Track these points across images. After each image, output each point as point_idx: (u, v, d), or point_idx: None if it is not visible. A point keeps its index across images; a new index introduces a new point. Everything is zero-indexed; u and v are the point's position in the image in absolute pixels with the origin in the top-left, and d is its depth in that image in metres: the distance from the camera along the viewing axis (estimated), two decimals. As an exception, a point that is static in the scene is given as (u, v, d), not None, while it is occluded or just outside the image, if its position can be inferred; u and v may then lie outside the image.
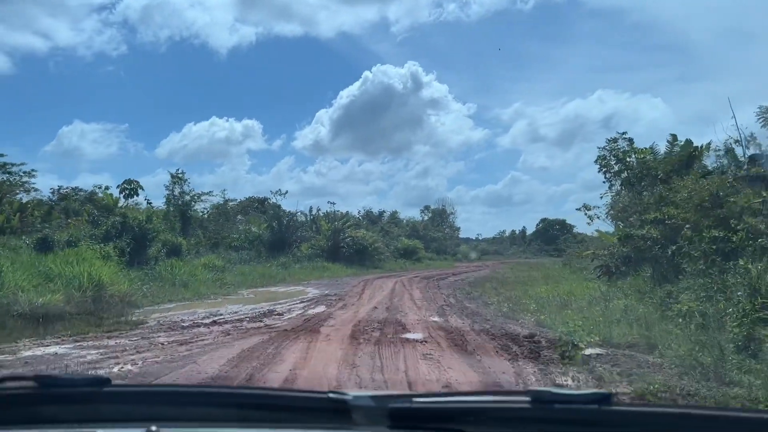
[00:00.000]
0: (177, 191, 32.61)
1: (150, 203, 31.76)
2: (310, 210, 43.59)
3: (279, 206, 37.68)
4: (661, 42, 77.12)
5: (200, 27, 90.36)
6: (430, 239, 65.41)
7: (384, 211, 68.51)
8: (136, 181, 31.62)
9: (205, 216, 40.32)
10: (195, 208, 33.79)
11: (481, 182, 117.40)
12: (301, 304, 16.36)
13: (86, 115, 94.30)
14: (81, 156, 76.98)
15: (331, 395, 1.45)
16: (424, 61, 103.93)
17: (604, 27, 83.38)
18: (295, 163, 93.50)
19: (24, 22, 73.69)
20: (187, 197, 32.95)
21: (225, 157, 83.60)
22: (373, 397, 1.43)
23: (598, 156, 21.95)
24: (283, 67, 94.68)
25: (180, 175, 32.81)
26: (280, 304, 16.44)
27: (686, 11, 71.74)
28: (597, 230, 24.02)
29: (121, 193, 31.67)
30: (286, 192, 39.90)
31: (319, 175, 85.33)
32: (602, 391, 1.43)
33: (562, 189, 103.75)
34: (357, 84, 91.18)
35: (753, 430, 1.32)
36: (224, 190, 49.80)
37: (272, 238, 36.47)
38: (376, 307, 15.56)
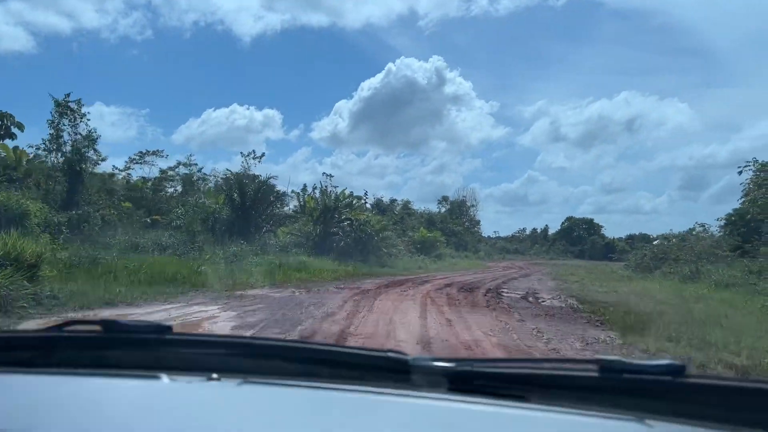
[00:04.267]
0: (69, 131, 20.49)
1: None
2: (304, 188, 31.68)
3: (246, 174, 25.59)
4: (687, 46, 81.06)
5: (225, 13, 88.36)
6: (449, 233, 55.32)
7: (396, 200, 58.30)
8: (10, 115, 19.72)
9: (145, 185, 28.59)
10: (94, 161, 21.72)
11: (497, 180, 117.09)
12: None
13: (108, 97, 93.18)
14: (100, 139, 69.23)
15: (390, 354, 1.40)
16: (449, 56, 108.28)
17: (630, 28, 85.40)
18: (311, 154, 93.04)
19: (49, 1, 72.20)
20: (80, 139, 20.68)
21: (242, 144, 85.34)
22: (433, 359, 1.36)
23: None
24: (307, 57, 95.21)
25: (70, 103, 20.28)
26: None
27: (712, 15, 76.35)
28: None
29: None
30: (263, 155, 27.87)
31: (335, 167, 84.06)
32: (675, 361, 1.26)
33: (579, 191, 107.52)
34: (380, 76, 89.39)
35: None
36: (190, 155, 37.59)
37: (232, 216, 24.72)
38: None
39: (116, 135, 73.25)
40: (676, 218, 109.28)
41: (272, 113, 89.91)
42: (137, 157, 31.72)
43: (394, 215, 51.26)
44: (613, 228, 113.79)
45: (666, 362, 1.26)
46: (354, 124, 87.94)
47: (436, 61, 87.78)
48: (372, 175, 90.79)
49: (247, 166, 28.67)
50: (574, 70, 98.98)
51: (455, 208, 72.51)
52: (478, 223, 76.84)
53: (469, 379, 1.33)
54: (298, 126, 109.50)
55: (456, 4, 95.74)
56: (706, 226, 34.98)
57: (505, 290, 18.17)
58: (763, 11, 73.03)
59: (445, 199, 75.93)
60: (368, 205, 49.98)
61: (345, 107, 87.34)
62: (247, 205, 24.50)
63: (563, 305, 13.58)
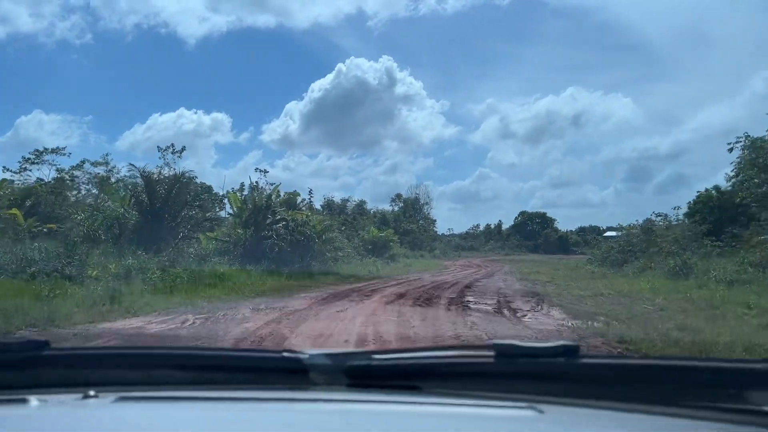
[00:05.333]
0: None
1: None
2: (242, 187, 27.36)
3: (151, 173, 21.08)
4: (627, 42, 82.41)
5: (169, 15, 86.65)
6: (403, 232, 52.55)
7: (348, 200, 55.40)
8: None
9: (41, 189, 23.92)
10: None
11: (449, 178, 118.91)
12: None
13: (47, 105, 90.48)
14: (38, 147, 63.87)
15: (285, 354, 1.36)
16: (399, 56, 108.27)
17: (573, 26, 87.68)
18: (262, 157, 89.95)
19: (-23, 6, 64.63)
20: None
21: (191, 150, 77.56)
22: (329, 355, 1.33)
23: None
24: (255, 59, 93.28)
25: None
26: None
27: (648, 12, 78.80)
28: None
29: None
30: (183, 149, 23.43)
31: (287, 169, 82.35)
32: (569, 342, 1.28)
33: (529, 186, 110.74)
34: (330, 77, 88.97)
35: (730, 379, 1.23)
36: (106, 154, 32.59)
37: (140, 221, 20.41)
38: None
39: (56, 144, 66.70)
40: (623, 210, 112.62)
41: (221, 117, 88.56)
42: (33, 157, 26.91)
43: (346, 216, 47.89)
44: (563, 221, 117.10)
45: (559, 344, 1.27)
46: (305, 125, 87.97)
47: (386, 61, 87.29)
48: (325, 176, 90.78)
49: (164, 162, 24.21)
50: (521, 68, 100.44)
51: (409, 207, 70.59)
52: (433, 222, 75.82)
53: (368, 373, 1.31)
54: (248, 129, 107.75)
55: (404, 4, 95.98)
56: (664, 215, 32.91)
57: (471, 299, 14.66)
58: (694, 7, 77.60)
59: (398, 197, 74.47)
60: (319, 207, 46.33)
61: (295, 109, 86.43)
62: (156, 207, 20.22)
63: (557, 325, 10.05)
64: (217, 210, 29.20)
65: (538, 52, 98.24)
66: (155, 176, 20.61)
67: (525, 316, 11.34)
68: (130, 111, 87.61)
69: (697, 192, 36.56)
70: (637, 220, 34.39)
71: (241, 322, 9.68)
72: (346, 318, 10.30)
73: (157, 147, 24.26)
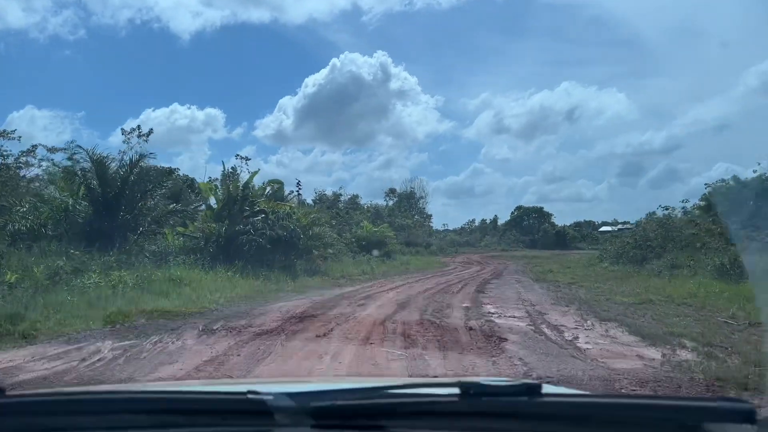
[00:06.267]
0: None
1: None
2: (224, 171, 23.85)
3: (103, 156, 17.63)
4: (621, 37, 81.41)
5: (162, 10, 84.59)
6: (398, 227, 49.55)
7: (341, 194, 52.37)
8: None
9: None
10: None
11: (443, 174, 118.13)
12: None
13: (40, 100, 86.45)
14: (29, 143, 61.54)
15: (250, 396, 1.30)
16: (394, 51, 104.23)
17: (567, 21, 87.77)
18: (256, 152, 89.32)
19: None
20: None
21: (184, 145, 78.51)
22: (293, 396, 1.29)
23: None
24: (249, 54, 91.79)
25: None
26: None
27: (639, 7, 77.32)
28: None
29: None
30: (150, 132, 19.98)
31: (281, 165, 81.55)
32: (532, 381, 1.34)
33: (523, 181, 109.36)
34: (324, 72, 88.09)
35: (689, 416, 1.27)
36: (71, 142, 28.80)
37: (90, 214, 17.12)
38: None
39: (49, 140, 65.94)
40: (616, 205, 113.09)
41: (214, 112, 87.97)
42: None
43: (339, 210, 44.79)
44: (557, 216, 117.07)
45: (521, 382, 1.28)
46: (299, 121, 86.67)
47: (381, 56, 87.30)
48: (319, 172, 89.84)
49: (129, 146, 20.75)
50: (516, 63, 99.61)
51: (403, 201, 67.50)
52: (429, 216, 73.18)
53: (332, 414, 1.30)
54: (242, 124, 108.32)
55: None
56: (672, 208, 30.08)
57: (492, 309, 11.53)
58: (688, 2, 77.23)
59: (392, 191, 70.88)
60: (310, 201, 43.09)
61: (289, 104, 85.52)
62: (110, 196, 16.95)
63: (634, 354, 6.84)
64: (200, 204, 25.91)
65: (532, 47, 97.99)
66: (108, 161, 17.31)
67: (576, 338, 8.17)
68: (123, 106, 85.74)
69: (706, 184, 32.44)
70: (650, 212, 31.54)
71: (169, 361, 6.44)
72: (329, 350, 7.08)
73: (121, 129, 20.91)
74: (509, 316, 10.49)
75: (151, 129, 20.70)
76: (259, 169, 22.36)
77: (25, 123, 68.61)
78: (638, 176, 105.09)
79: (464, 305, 12.24)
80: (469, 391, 1.25)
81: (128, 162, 17.41)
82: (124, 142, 20.20)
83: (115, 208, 17.23)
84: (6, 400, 1.36)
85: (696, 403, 1.38)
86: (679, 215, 29.84)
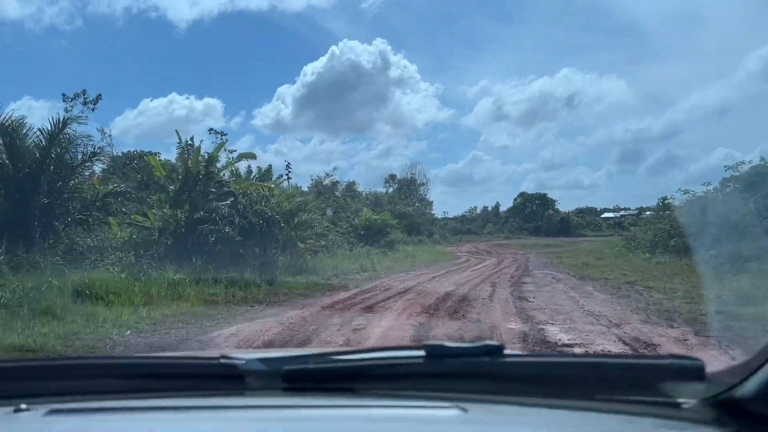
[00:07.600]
0: None
1: None
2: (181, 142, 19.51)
3: (16, 122, 13.25)
4: (620, 23, 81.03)
5: None
6: (398, 215, 45.85)
7: (338, 180, 49.15)
8: None
9: None
10: None
11: (442, 161, 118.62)
12: None
13: (37, 91, 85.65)
14: None
15: (222, 360, 1.36)
16: (394, 38, 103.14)
17: (567, 6, 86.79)
18: (255, 141, 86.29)
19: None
20: None
21: (183, 134, 70.52)
22: (265, 360, 1.34)
23: None
24: (246, 42, 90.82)
25: None
26: None
27: None
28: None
29: None
30: (98, 98, 15.73)
31: (279, 154, 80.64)
32: (493, 342, 1.33)
33: (522, 168, 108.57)
34: (323, 60, 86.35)
35: (640, 374, 1.30)
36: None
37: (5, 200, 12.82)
38: None
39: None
40: (615, 192, 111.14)
41: (213, 101, 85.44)
42: None
43: (336, 198, 41.20)
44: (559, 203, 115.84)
45: (483, 344, 1.30)
46: (298, 109, 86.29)
47: (380, 44, 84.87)
48: (317, 161, 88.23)
49: (69, 116, 16.31)
50: (516, 50, 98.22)
51: (404, 188, 64.85)
52: (430, 204, 70.06)
53: (304, 377, 1.32)
54: (240, 113, 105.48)
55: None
56: (693, 192, 26.03)
57: (565, 338, 7.35)
58: None
59: (392, 177, 68.62)
60: (305, 189, 39.14)
61: (288, 93, 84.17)
62: (23, 174, 12.66)
63: None
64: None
65: (533, 34, 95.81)
66: (25, 130, 13.02)
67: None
68: (120, 96, 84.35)
69: (726, 166, 26.21)
70: (662, 197, 27.58)
71: None
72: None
73: (62, 95, 16.71)
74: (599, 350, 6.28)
75: (100, 95, 16.52)
76: (227, 139, 18.03)
77: (23, 114, 66.07)
78: (637, 163, 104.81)
79: (511, 326, 8.05)
80: (434, 353, 1.28)
81: (49, 130, 13.06)
82: (66, 110, 15.94)
83: (32, 190, 12.94)
84: None
85: (647, 361, 1.45)
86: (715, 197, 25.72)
